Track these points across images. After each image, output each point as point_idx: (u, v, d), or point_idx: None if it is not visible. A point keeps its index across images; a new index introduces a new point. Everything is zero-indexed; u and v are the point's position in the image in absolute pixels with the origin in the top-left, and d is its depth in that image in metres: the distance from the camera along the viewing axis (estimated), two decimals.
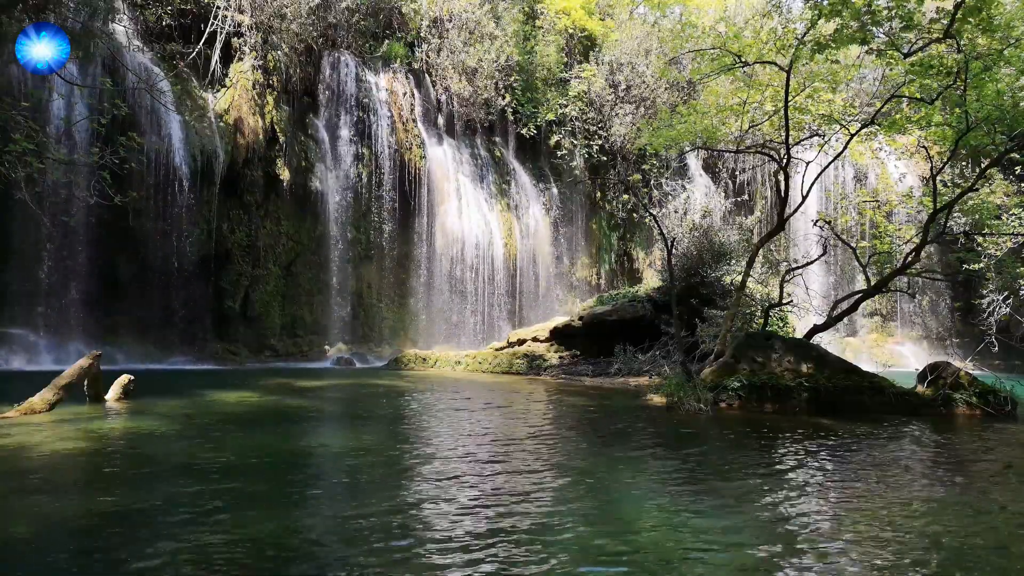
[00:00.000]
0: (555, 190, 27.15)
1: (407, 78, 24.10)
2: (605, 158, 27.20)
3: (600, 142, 26.78)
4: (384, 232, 22.61)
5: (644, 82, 26.73)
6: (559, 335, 18.11)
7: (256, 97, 20.33)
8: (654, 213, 17.42)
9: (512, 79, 25.70)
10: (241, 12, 20.19)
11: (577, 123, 26.71)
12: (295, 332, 21.11)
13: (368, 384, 13.32)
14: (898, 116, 12.53)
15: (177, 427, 7.40)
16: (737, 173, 29.25)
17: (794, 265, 15.10)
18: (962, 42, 10.24)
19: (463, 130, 25.49)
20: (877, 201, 25.35)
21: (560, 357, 17.27)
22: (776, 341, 10.97)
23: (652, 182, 26.98)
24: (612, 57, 27.00)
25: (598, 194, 27.95)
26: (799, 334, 13.98)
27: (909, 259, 12.43)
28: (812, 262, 14.48)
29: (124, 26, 18.21)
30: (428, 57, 24.62)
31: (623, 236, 28.36)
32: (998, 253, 17.64)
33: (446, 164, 24.20)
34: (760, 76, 14.37)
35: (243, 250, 20.02)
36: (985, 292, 20.98)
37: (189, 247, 18.47)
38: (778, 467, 6.01)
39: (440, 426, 8.23)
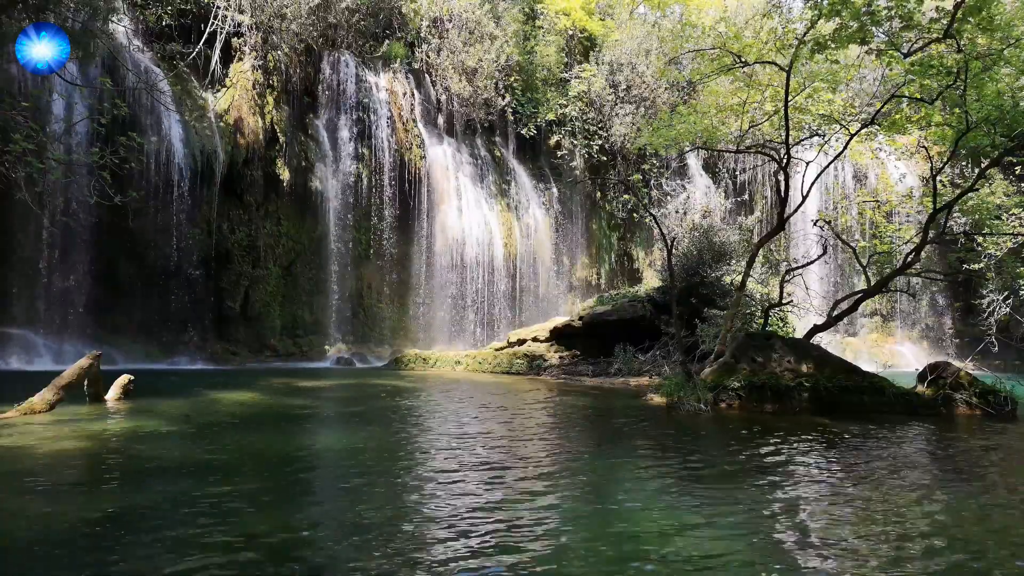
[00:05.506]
0: (555, 190, 27.15)
1: (407, 78, 24.10)
2: (605, 158, 27.19)
3: (600, 142, 26.77)
4: (384, 232, 22.61)
5: (644, 82, 26.72)
6: (559, 335, 18.10)
7: (256, 97, 20.33)
8: (654, 213, 17.40)
9: (512, 79, 25.70)
10: (241, 12, 20.18)
11: (577, 123, 26.71)
12: (295, 332, 21.10)
13: (368, 384, 13.31)
14: (898, 116, 12.52)
15: (177, 427, 7.40)
16: (737, 173, 29.24)
17: (794, 265, 15.09)
18: (962, 42, 10.23)
19: (463, 130, 25.49)
20: (877, 201, 25.36)
21: (560, 357, 17.27)
22: (776, 341, 10.97)
23: (652, 182, 26.97)
24: (612, 57, 26.99)
25: (598, 194, 27.96)
26: (799, 334, 13.97)
27: (909, 259, 12.43)
28: (812, 262, 14.48)
29: (124, 26, 18.21)
30: (428, 57, 24.62)
31: (623, 236, 28.35)
32: (998, 253, 17.63)
33: (446, 164, 24.19)
34: (760, 76, 14.35)
35: (243, 250, 20.02)
36: (985, 292, 20.99)
37: (189, 247, 18.47)
38: (778, 467, 6.01)
39: (440, 426, 8.23)
